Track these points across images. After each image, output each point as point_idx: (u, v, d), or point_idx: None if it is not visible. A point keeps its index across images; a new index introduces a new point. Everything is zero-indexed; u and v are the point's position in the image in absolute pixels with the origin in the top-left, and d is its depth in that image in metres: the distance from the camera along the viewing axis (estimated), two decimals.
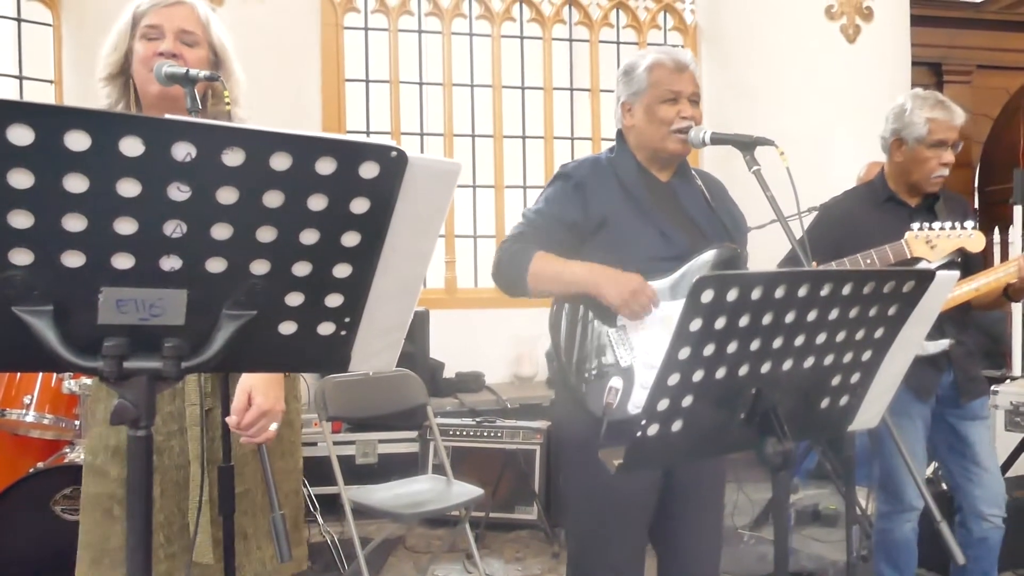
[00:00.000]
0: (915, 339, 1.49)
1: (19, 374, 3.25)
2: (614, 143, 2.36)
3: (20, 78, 5.16)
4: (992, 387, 4.15)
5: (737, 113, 5.53)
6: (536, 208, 2.26)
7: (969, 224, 2.52)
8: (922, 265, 2.51)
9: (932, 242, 2.48)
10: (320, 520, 3.91)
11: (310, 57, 5.68)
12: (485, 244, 6.24)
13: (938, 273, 1.40)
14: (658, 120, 2.23)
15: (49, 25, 5.16)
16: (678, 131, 2.21)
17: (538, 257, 2.16)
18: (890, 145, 2.83)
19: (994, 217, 7.18)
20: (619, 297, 2.06)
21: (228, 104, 1.71)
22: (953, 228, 2.51)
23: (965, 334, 2.83)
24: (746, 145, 2.10)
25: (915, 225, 2.52)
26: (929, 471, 3.39)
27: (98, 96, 1.81)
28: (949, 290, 1.47)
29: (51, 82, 5.17)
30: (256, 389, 1.75)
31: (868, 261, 2.47)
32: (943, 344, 2.69)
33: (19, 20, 5.16)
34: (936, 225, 2.52)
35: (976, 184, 7.08)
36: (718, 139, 2.16)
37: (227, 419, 1.73)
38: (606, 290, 2.08)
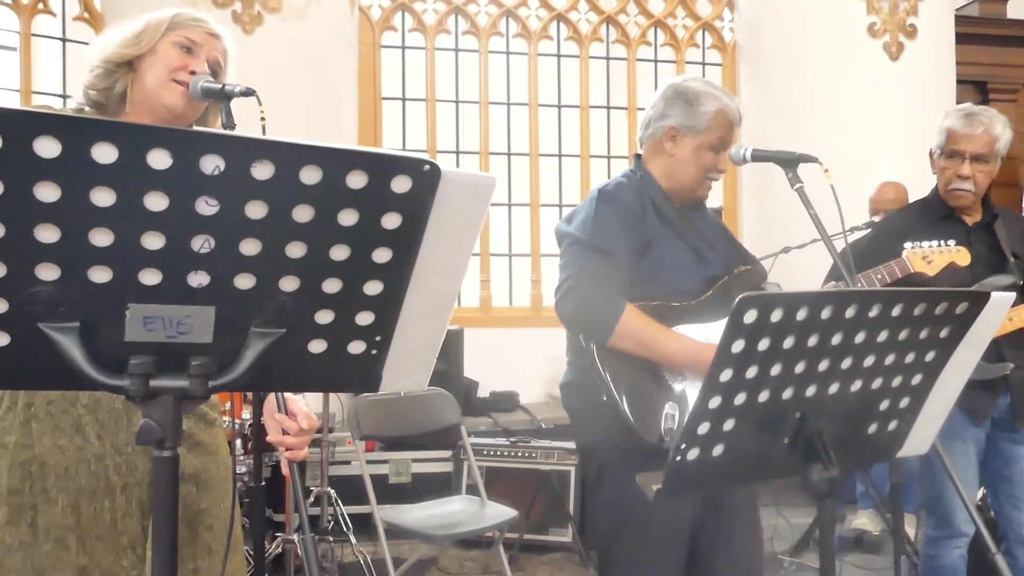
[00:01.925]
0: (968, 362, 1.44)
1: None
2: (633, 163, 2.33)
3: (64, 96, 5.25)
4: None
5: (777, 132, 5.45)
6: (596, 232, 2.13)
7: (952, 242, 2.57)
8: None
9: (928, 257, 2.55)
10: (353, 539, 3.88)
11: (347, 75, 5.71)
12: (520, 263, 6.21)
13: (992, 295, 1.35)
14: (701, 164, 2.22)
15: None
16: (708, 178, 2.24)
17: (628, 314, 2.05)
18: (930, 159, 2.83)
19: None
20: None
21: (264, 119, 1.69)
22: (940, 245, 2.57)
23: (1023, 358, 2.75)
24: (789, 162, 2.06)
25: (908, 244, 2.56)
26: (979, 496, 3.29)
27: (91, 69, 1.69)
28: (1004, 312, 1.41)
29: None
30: (296, 405, 1.73)
31: (879, 276, 2.52)
32: (1005, 367, 2.63)
33: (64, 40, 5.25)
34: (926, 244, 2.56)
35: None
36: (759, 156, 2.12)
37: (272, 439, 1.70)
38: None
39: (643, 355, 2.07)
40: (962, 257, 2.58)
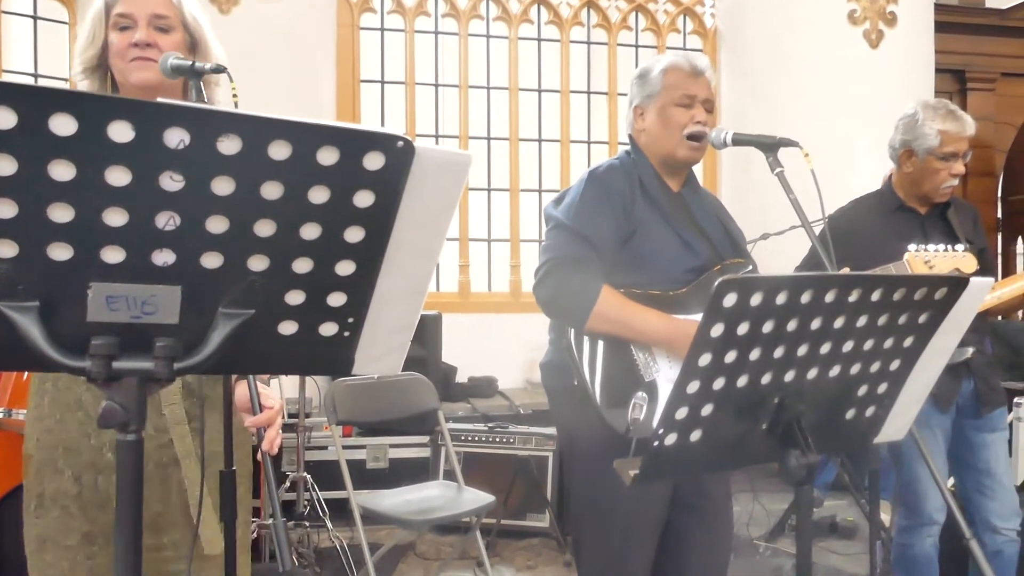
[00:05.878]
0: (946, 348, 1.44)
1: (26, 373, 3.21)
2: (629, 148, 2.30)
3: (35, 75, 5.16)
4: (1016, 399, 4.08)
5: (757, 118, 5.45)
6: (578, 217, 2.09)
7: (960, 247, 2.53)
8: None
9: (930, 262, 2.48)
10: (329, 525, 3.86)
11: (325, 57, 5.65)
12: (499, 248, 6.19)
13: (972, 280, 1.34)
14: (672, 124, 2.17)
15: (65, 23, 5.16)
16: (691, 137, 2.16)
17: (605, 295, 2.01)
18: (899, 155, 2.80)
19: (1018, 227, 7.08)
20: None
21: (236, 96, 1.65)
22: (946, 250, 2.51)
23: (984, 342, 2.78)
24: (769, 146, 2.04)
25: (912, 246, 2.51)
26: (949, 484, 3.32)
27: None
28: (983, 298, 1.41)
29: (66, 80, 5.16)
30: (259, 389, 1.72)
31: None
32: (966, 352, 2.64)
33: (35, 18, 5.15)
34: (931, 247, 2.51)
35: (1000, 193, 6.96)
36: (740, 140, 2.10)
37: (259, 440, 1.69)
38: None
39: (622, 335, 2.03)
40: (968, 263, 2.50)
